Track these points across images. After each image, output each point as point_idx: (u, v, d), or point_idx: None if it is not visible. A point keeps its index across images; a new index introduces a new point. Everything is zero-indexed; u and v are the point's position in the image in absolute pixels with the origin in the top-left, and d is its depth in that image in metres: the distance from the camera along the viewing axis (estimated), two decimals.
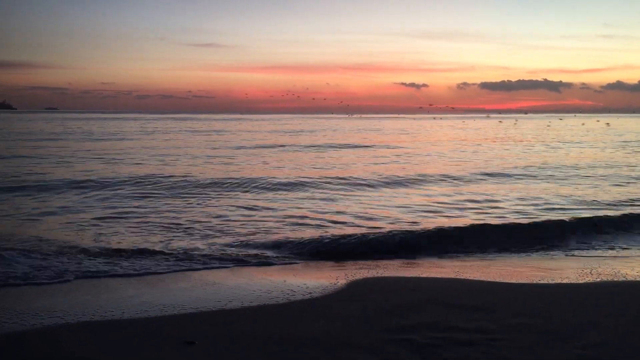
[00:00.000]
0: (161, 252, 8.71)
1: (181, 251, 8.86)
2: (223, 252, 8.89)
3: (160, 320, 5.60)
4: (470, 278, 7.33)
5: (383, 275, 7.64)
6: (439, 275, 7.61)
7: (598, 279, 7.31)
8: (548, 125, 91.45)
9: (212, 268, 7.97)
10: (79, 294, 6.61)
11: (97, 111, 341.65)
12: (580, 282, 7.20)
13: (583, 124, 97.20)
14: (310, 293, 6.60)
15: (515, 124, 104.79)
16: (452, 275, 7.54)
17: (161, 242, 9.54)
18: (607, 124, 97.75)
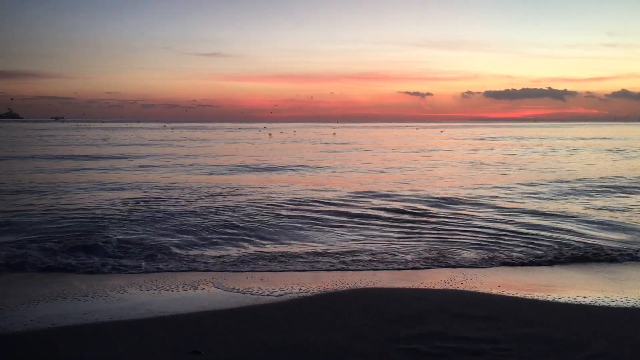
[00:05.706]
0: None
1: None
2: None
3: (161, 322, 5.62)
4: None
5: (386, 283, 7.62)
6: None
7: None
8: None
9: None
10: None
11: (105, 120, 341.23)
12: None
13: None
14: (314, 300, 6.61)
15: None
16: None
17: None
18: None
